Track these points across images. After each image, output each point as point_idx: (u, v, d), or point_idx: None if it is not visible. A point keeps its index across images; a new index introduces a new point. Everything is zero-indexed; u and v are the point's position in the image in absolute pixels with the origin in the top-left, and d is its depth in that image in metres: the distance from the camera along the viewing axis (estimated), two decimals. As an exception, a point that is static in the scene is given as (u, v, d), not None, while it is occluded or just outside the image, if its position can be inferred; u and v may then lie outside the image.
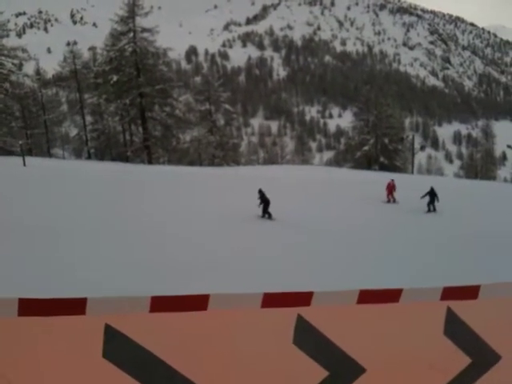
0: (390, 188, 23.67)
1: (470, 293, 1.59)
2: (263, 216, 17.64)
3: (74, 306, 1.32)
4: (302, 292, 1.46)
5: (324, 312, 1.48)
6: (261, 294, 1.43)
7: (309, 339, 1.49)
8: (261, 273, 10.34)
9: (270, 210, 17.70)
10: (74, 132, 56.73)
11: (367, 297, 1.49)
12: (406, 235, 16.45)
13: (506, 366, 1.67)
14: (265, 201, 17.59)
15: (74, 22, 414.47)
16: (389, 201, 23.67)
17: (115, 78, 48.14)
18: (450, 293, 1.56)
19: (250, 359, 1.48)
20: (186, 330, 1.43)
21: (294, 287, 1.50)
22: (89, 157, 52.15)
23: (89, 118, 53.34)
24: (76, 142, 56.64)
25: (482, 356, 1.65)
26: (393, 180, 24.21)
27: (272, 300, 1.43)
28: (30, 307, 1.29)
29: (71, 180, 23.79)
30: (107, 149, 52.32)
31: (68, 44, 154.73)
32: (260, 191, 17.91)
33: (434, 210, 21.56)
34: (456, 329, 1.60)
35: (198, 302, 1.40)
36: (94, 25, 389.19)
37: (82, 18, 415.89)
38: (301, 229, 16.08)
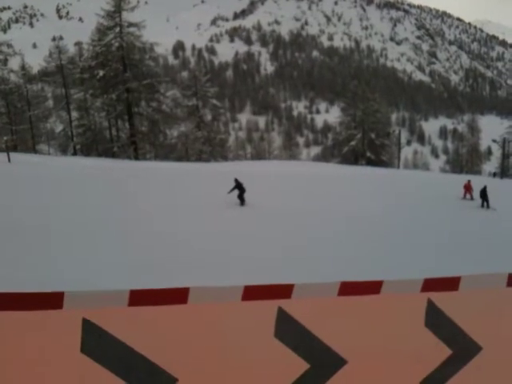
0: (468, 187, 25.78)
1: (450, 284, 1.59)
2: (242, 204, 19.01)
3: (51, 300, 1.29)
4: (282, 284, 1.45)
5: (305, 304, 1.47)
6: (241, 287, 1.42)
7: (290, 332, 1.48)
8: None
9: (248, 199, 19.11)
10: (59, 128, 56.15)
11: (348, 289, 1.49)
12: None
13: (486, 356, 1.68)
14: (240, 188, 18.89)
15: (60, 17, 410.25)
16: (465, 197, 25.83)
17: (101, 73, 47.80)
18: (430, 284, 1.56)
19: (231, 353, 1.47)
20: (165, 324, 1.41)
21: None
22: (74, 153, 51.69)
23: (74, 114, 52.88)
24: (62, 138, 56.09)
25: (462, 347, 1.65)
26: (469, 181, 26.25)
27: (252, 293, 1.42)
28: (5, 301, 1.27)
29: (55, 176, 23.57)
30: (93, 144, 51.90)
31: (54, 39, 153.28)
32: (236, 180, 19.16)
33: (488, 207, 23.42)
34: (437, 320, 1.60)
35: (177, 296, 1.38)
36: (80, 20, 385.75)
37: (67, 13, 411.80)
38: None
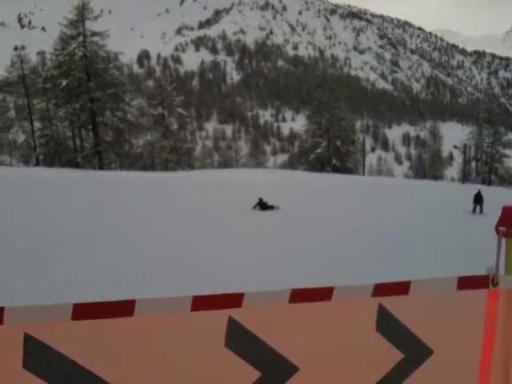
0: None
1: (401, 289, 1.60)
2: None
3: None
4: (232, 293, 1.44)
5: (256, 313, 1.46)
6: (190, 298, 1.39)
7: (241, 341, 1.47)
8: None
9: None
10: (21, 138, 55.02)
11: (299, 296, 1.49)
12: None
13: (438, 360, 1.70)
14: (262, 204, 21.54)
15: (22, 26, 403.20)
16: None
17: (64, 82, 47.06)
18: (381, 289, 1.57)
19: (181, 365, 1.44)
20: (111, 338, 1.37)
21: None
22: (37, 163, 50.68)
23: (37, 124, 51.96)
24: (24, 149, 54.97)
25: (414, 351, 1.66)
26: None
27: (202, 303, 1.40)
28: None
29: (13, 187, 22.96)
30: (56, 155, 51.02)
31: (15, 48, 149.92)
32: (260, 199, 21.68)
33: (481, 211, 22.90)
34: (388, 325, 1.61)
35: (123, 308, 1.35)
36: (43, 29, 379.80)
37: (30, 22, 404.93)
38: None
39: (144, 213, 18.04)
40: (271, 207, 21.33)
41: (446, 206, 25.08)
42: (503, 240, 1.77)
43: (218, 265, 10.59)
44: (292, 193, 27.53)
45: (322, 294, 1.52)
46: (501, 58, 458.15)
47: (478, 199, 23.44)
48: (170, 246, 12.62)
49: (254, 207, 21.32)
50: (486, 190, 25.31)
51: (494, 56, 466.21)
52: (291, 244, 13.94)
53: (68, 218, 15.59)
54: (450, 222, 19.68)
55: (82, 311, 1.31)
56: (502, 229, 1.77)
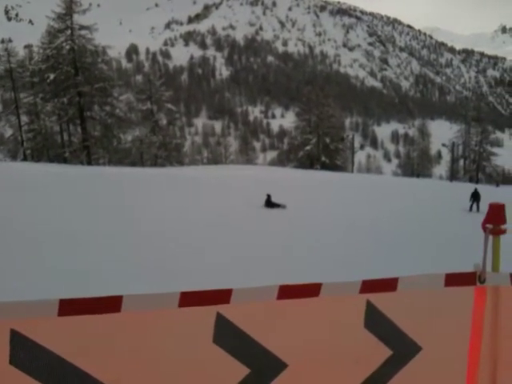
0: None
1: (389, 285, 1.60)
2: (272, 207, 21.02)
3: None
4: (220, 290, 1.44)
5: (244, 309, 1.46)
6: (178, 294, 1.39)
7: (229, 337, 1.46)
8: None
9: None
10: (8, 133, 54.45)
11: (287, 292, 1.48)
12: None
13: (426, 356, 1.70)
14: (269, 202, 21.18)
15: (9, 19, 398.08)
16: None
17: (52, 76, 46.60)
18: (369, 286, 1.57)
19: (169, 361, 1.44)
20: (98, 333, 1.37)
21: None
22: (24, 158, 50.19)
23: (24, 118, 51.39)
24: (11, 143, 54.37)
25: (402, 347, 1.67)
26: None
27: (190, 299, 1.39)
28: None
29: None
30: (44, 150, 50.58)
31: (2, 41, 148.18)
32: (268, 195, 21.32)
33: (478, 210, 22.66)
34: (376, 321, 1.61)
35: (110, 304, 1.35)
36: (30, 22, 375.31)
37: (17, 15, 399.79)
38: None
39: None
40: (277, 205, 20.89)
41: (440, 205, 25.00)
42: (490, 237, 1.78)
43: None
44: (289, 190, 27.32)
45: (310, 291, 1.52)
46: (489, 57, 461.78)
47: (475, 197, 23.30)
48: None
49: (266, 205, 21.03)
50: (474, 188, 25.21)
51: (482, 54, 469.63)
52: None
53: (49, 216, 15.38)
54: (448, 221, 19.75)
55: (69, 307, 1.31)
56: (488, 226, 1.78)
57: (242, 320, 1.47)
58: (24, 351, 1.29)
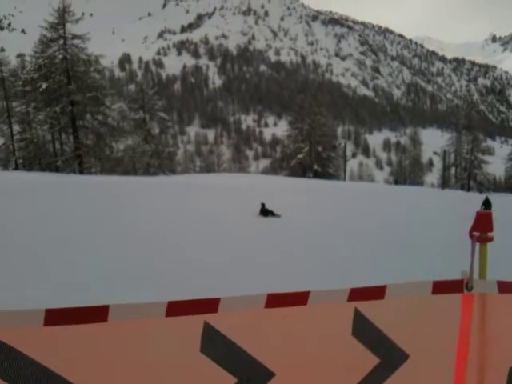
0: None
1: (376, 293, 1.61)
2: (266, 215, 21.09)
3: None
4: (208, 299, 1.43)
5: (232, 318, 1.45)
6: (165, 303, 1.38)
7: (216, 347, 1.45)
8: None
9: None
10: (0, 142, 54.29)
11: (275, 300, 1.48)
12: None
13: (413, 364, 1.70)
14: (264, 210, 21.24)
15: (1, 28, 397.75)
16: None
17: (44, 85, 46.52)
18: (357, 294, 1.58)
19: (156, 371, 1.42)
20: (84, 343, 1.35)
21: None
22: (16, 167, 49.98)
23: (16, 127, 51.22)
24: (3, 152, 54.14)
25: (390, 355, 1.67)
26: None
27: (177, 308, 1.39)
28: None
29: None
30: (36, 159, 50.40)
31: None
32: (262, 204, 21.37)
33: None
34: (364, 329, 1.61)
35: (96, 314, 1.33)
36: (23, 31, 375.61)
37: (9, 24, 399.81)
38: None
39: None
40: (272, 213, 20.71)
41: (441, 212, 24.98)
42: (477, 245, 1.79)
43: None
44: (282, 198, 27.29)
45: (298, 299, 1.52)
46: (480, 66, 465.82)
47: (487, 205, 23.21)
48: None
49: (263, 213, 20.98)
50: (465, 196, 25.40)
51: (473, 63, 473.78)
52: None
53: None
54: (453, 227, 19.80)
55: (55, 317, 1.29)
56: (475, 234, 1.79)
57: (229, 329, 1.46)
58: (9, 362, 1.27)
